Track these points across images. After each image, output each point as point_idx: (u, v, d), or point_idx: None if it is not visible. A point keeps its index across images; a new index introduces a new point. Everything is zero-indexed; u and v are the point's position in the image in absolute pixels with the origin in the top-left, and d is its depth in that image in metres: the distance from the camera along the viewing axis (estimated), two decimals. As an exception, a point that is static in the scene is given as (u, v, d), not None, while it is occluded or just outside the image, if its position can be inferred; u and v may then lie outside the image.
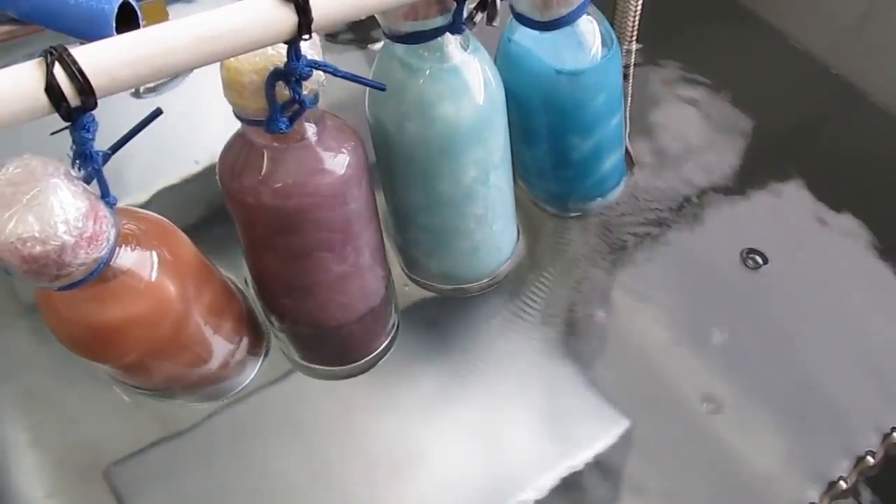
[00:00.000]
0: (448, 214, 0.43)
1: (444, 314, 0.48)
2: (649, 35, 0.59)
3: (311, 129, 0.36)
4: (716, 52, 0.62)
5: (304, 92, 0.33)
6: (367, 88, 0.41)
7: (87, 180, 0.31)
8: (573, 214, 0.51)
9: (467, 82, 0.39)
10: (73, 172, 0.30)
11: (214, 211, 0.50)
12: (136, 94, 0.60)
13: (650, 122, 0.57)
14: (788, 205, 0.53)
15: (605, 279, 0.49)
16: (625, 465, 0.43)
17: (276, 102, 0.33)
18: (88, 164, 0.30)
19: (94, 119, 0.29)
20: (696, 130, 0.57)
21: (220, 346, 0.39)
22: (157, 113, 0.33)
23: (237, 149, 0.37)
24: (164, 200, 0.53)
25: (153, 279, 0.34)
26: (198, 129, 0.56)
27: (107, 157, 0.31)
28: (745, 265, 0.49)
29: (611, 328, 0.47)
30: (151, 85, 0.62)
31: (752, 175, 0.54)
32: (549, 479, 0.42)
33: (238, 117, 0.35)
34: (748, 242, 0.50)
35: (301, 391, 0.45)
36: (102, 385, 0.44)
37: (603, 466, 0.42)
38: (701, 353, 0.46)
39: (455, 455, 0.43)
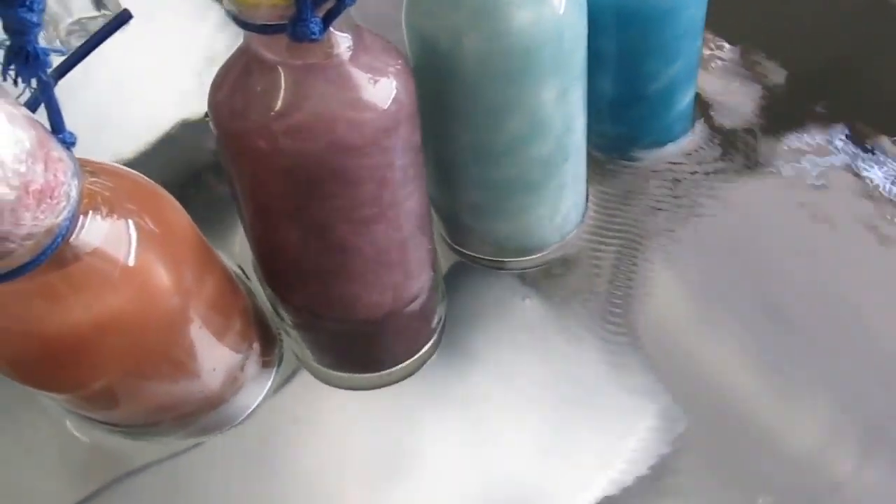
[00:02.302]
0: (514, 163, 0.33)
1: (497, 295, 0.37)
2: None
3: (344, 42, 0.26)
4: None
5: (344, -18, 0.23)
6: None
7: (33, 106, 0.19)
8: (633, 164, 0.41)
9: (545, -20, 0.29)
10: (8, 88, 0.19)
11: (198, 170, 0.40)
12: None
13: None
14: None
15: (682, 244, 0.39)
16: (681, 468, 0.33)
17: (306, -7, 0.23)
18: (33, 71, 0.18)
19: (39, -7, 0.18)
20: (750, 69, 0.48)
21: (225, 356, 0.28)
22: (126, 17, 0.24)
23: (239, 72, 0.26)
24: (129, 159, 0.41)
25: (133, 262, 0.23)
26: (169, 68, 0.44)
27: (60, 71, 0.20)
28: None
29: (688, 310, 0.38)
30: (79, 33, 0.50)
31: (809, 117, 0.46)
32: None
33: (241, 24, 0.25)
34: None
35: (318, 406, 0.35)
36: (49, 419, 0.33)
37: (657, 469, 0.33)
38: (779, 333, 0.37)
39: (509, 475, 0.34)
